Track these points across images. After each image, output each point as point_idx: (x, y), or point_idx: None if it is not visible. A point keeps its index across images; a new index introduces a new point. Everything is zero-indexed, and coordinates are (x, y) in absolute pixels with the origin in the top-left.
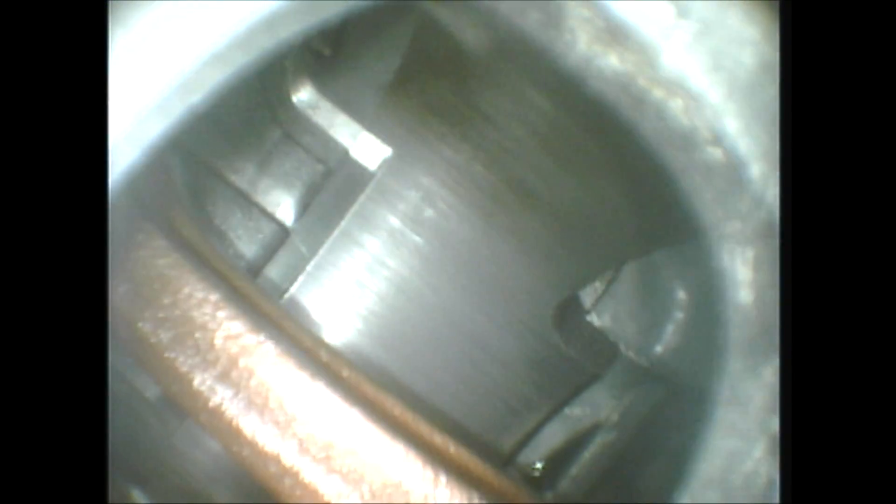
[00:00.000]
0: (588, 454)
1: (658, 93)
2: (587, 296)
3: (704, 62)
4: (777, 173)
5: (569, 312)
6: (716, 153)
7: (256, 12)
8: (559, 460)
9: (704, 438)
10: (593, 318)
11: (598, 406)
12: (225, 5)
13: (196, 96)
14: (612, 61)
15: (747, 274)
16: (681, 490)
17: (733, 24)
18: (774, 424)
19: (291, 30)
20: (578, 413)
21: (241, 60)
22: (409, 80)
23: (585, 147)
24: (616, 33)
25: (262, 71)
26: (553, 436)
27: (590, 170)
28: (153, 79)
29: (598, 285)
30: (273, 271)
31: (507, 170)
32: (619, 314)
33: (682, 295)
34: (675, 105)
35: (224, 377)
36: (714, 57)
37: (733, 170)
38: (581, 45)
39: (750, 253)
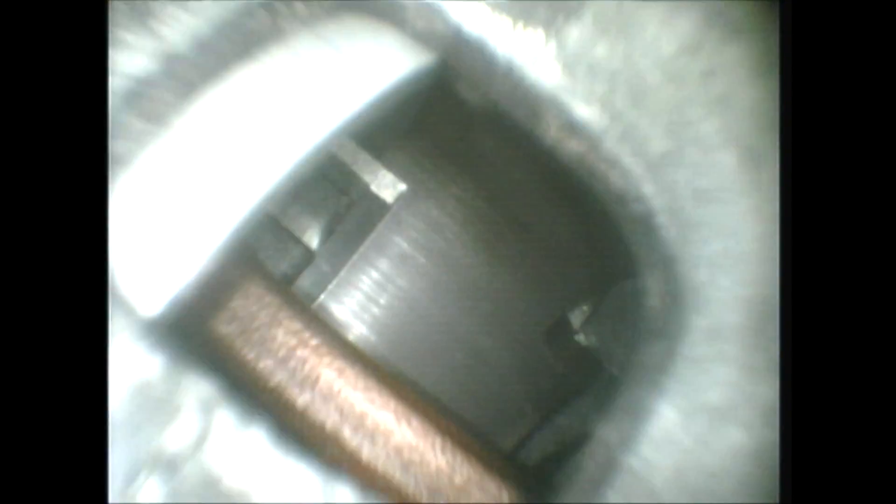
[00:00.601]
0: (575, 460)
1: (602, 166)
2: (576, 317)
3: (630, 149)
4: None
5: (558, 332)
6: (638, 208)
7: None
8: (550, 466)
9: None
10: (581, 338)
11: (584, 417)
12: None
13: None
14: (572, 144)
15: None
16: None
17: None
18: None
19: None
20: (566, 422)
21: None
22: (422, 126)
23: (571, 186)
24: (573, 127)
25: None
26: (543, 443)
27: (576, 207)
28: None
29: (586, 308)
30: (299, 288)
31: (506, 206)
32: (604, 334)
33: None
34: (614, 174)
35: (283, 363)
36: (638, 144)
37: (648, 219)
38: (552, 132)
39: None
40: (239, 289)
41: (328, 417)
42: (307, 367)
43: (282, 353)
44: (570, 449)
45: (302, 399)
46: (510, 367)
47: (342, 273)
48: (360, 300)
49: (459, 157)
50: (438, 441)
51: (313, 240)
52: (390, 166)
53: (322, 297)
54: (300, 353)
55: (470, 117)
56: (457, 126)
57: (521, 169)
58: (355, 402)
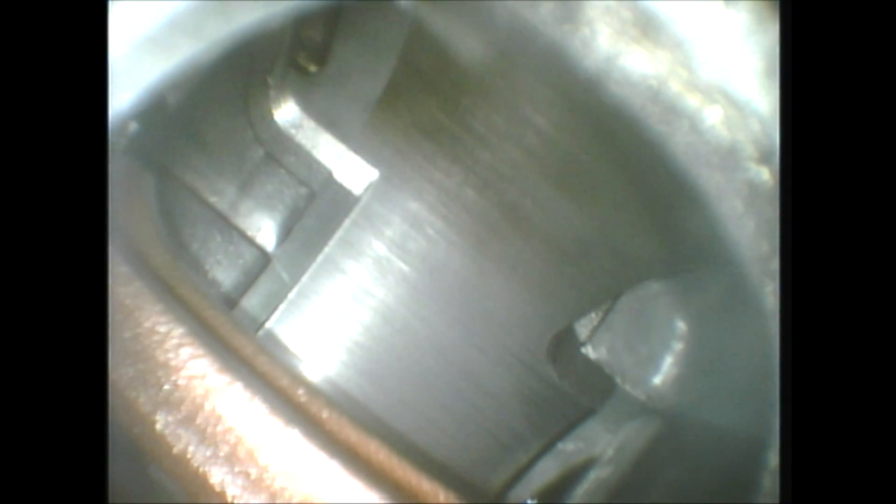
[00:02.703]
0: (582, 490)
1: (694, 100)
2: (582, 327)
3: (754, 64)
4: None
5: (563, 345)
6: (762, 173)
7: None
8: (552, 497)
9: None
10: (589, 351)
11: (592, 440)
12: None
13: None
14: (638, 61)
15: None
16: None
17: None
18: None
19: None
20: (572, 448)
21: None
22: (397, 97)
23: (586, 168)
24: (646, 27)
25: (245, 88)
26: (546, 471)
27: (589, 193)
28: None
29: (594, 316)
30: (253, 299)
31: (500, 194)
32: (615, 346)
33: (681, 325)
34: (714, 115)
35: (189, 421)
36: (766, 58)
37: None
38: (602, 42)
39: None
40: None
41: (252, 501)
42: (220, 427)
43: (188, 404)
44: (575, 478)
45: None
46: (506, 387)
47: (304, 280)
48: (324, 313)
49: (442, 133)
50: None
51: (269, 241)
52: (358, 148)
53: (281, 307)
54: (208, 404)
55: (457, 82)
56: (441, 95)
57: (519, 146)
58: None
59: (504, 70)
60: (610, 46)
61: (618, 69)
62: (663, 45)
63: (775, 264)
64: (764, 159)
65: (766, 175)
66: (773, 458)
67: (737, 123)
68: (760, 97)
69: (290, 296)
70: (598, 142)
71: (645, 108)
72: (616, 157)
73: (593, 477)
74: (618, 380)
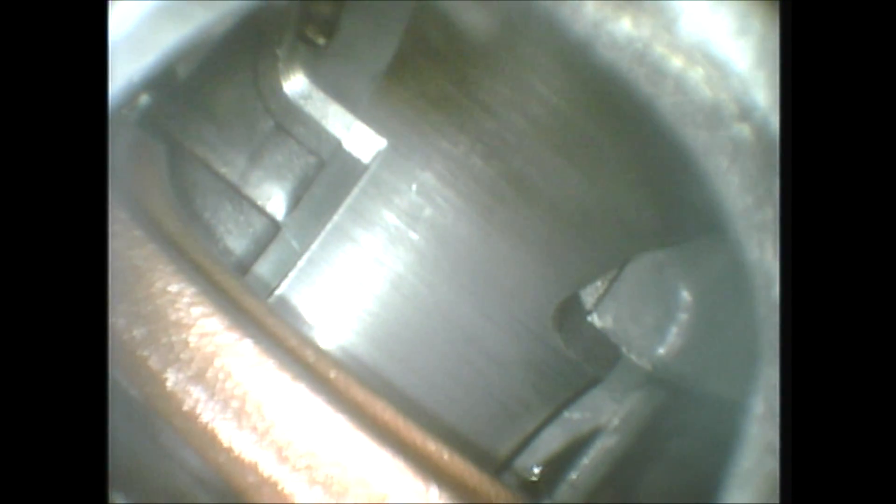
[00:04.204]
0: (587, 459)
1: (677, 61)
2: (588, 295)
3: (730, 25)
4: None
5: (569, 313)
6: (744, 130)
7: None
8: (558, 465)
9: (738, 460)
10: (594, 319)
11: (598, 410)
12: None
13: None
14: (624, 25)
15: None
16: None
17: None
18: None
19: None
20: (578, 417)
21: None
22: (404, 68)
23: (590, 136)
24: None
25: (255, 60)
26: (552, 440)
27: (594, 161)
28: None
29: (600, 285)
30: (264, 267)
31: (506, 163)
32: (621, 315)
33: (686, 295)
34: (697, 75)
35: (199, 378)
36: (741, 19)
37: (765, 149)
38: (589, 9)
39: None
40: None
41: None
42: (229, 382)
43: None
44: (581, 447)
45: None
46: (513, 355)
47: (313, 248)
48: (333, 280)
49: (449, 103)
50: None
51: (279, 209)
52: (366, 119)
53: (291, 275)
54: (217, 361)
55: (463, 53)
56: (447, 65)
57: (524, 115)
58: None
59: (508, 40)
60: (597, 12)
61: (605, 33)
62: (646, 10)
63: (758, 217)
64: (744, 116)
65: (748, 132)
66: (757, 404)
67: (718, 82)
68: (738, 56)
69: (300, 263)
70: (596, 107)
71: (632, 70)
72: (613, 123)
73: (599, 446)
74: (623, 349)
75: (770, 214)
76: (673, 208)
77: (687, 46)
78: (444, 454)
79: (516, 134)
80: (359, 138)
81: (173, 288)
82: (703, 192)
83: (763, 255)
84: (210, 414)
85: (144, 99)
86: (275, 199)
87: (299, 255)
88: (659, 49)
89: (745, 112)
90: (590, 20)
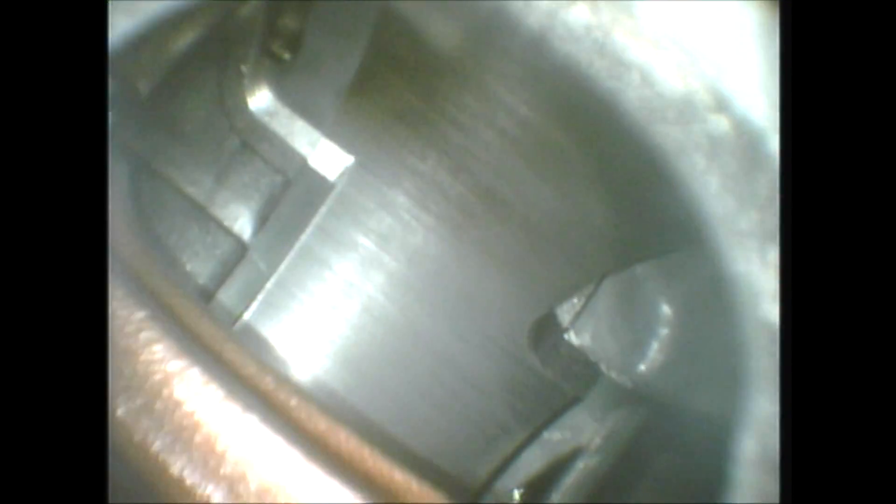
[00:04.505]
0: (569, 480)
1: (641, 49)
2: (565, 313)
3: (697, 6)
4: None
5: (545, 331)
6: (721, 123)
7: None
8: (539, 487)
9: None
10: (572, 337)
11: (578, 429)
12: None
13: None
14: (580, 13)
15: (770, 280)
16: None
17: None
18: None
19: None
20: (558, 437)
21: None
22: (370, 82)
23: (559, 146)
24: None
25: (220, 76)
26: (532, 461)
27: (565, 173)
28: None
29: (577, 301)
30: (231, 290)
31: (475, 177)
32: (599, 332)
33: (666, 310)
34: (665, 64)
35: (148, 408)
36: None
37: (746, 144)
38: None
39: (772, 253)
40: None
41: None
42: (178, 413)
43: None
44: (562, 468)
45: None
46: (489, 376)
47: (281, 269)
48: (302, 302)
49: (415, 117)
50: None
51: (246, 230)
52: (332, 135)
53: (259, 297)
54: (166, 391)
55: (429, 65)
56: (413, 78)
57: (493, 127)
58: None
59: (472, 49)
60: (550, 1)
61: (560, 23)
62: None
63: (743, 223)
64: (721, 107)
65: (725, 125)
66: (748, 445)
67: (688, 71)
68: (709, 40)
69: (268, 286)
70: (562, 113)
71: (592, 63)
72: (579, 128)
73: (581, 467)
74: (602, 367)
75: (755, 218)
76: (649, 218)
77: (652, 31)
78: (412, 485)
79: (485, 147)
80: (325, 155)
81: (122, 312)
82: (679, 197)
83: (749, 266)
84: (160, 446)
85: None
86: (241, 219)
87: (267, 277)
88: (620, 37)
89: (721, 103)
90: (543, 10)
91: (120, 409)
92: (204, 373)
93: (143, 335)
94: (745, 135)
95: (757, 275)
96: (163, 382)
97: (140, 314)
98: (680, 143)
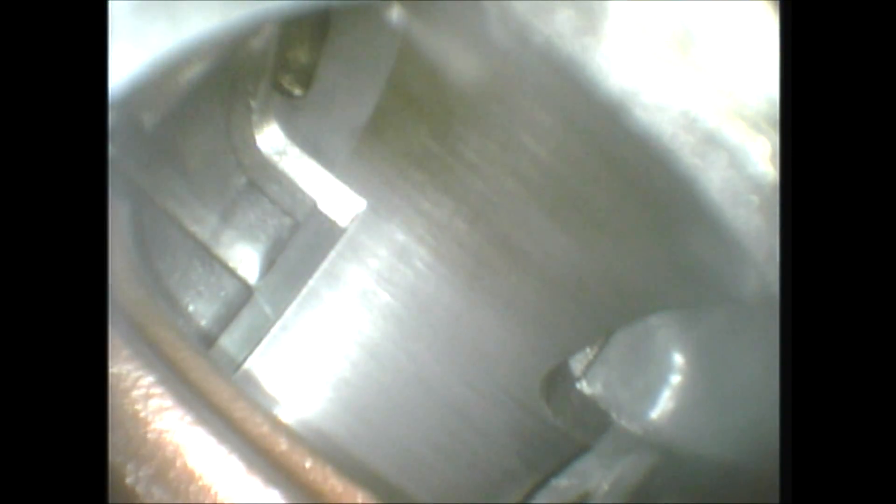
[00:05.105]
0: None
1: (735, 130)
2: (577, 362)
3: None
4: None
5: (557, 381)
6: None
7: None
8: None
9: None
10: (584, 386)
11: (586, 476)
12: None
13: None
14: (671, 84)
15: None
16: None
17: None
18: None
19: None
20: (565, 484)
21: None
22: (386, 123)
23: (585, 197)
24: (683, 42)
25: (228, 111)
26: None
27: (590, 225)
28: None
29: (589, 350)
30: (235, 333)
31: (493, 226)
32: (611, 381)
33: (679, 358)
34: (760, 148)
35: (160, 477)
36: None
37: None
38: (628, 60)
39: None
40: None
41: None
42: (193, 487)
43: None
44: None
45: None
46: (498, 424)
47: (287, 314)
48: (308, 348)
49: (432, 162)
50: None
51: (251, 273)
52: (344, 177)
53: (264, 342)
54: (180, 461)
55: (448, 106)
56: (431, 120)
57: (513, 174)
58: None
59: (499, 93)
60: (638, 65)
61: (647, 91)
62: (701, 67)
63: None
64: None
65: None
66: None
67: (776, 158)
68: None
69: (274, 330)
70: (608, 172)
71: (675, 137)
72: (626, 188)
73: None
74: (613, 415)
75: None
76: (683, 277)
77: (752, 112)
78: None
79: (504, 195)
80: (336, 199)
81: (130, 375)
82: (732, 273)
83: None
84: None
85: (109, 150)
86: (247, 261)
87: (273, 322)
88: (713, 114)
89: None
90: (628, 73)
91: (129, 476)
92: (221, 443)
93: (153, 402)
94: None
95: None
96: (176, 452)
97: (150, 378)
98: (759, 230)
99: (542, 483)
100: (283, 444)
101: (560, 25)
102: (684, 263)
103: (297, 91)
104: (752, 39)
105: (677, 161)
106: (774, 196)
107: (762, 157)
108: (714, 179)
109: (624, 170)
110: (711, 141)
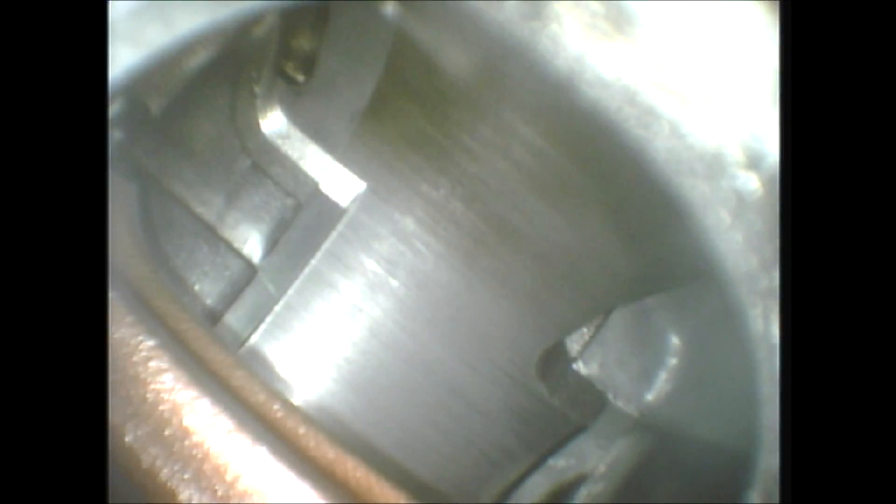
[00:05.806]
0: None
1: (673, 101)
2: (574, 342)
3: (740, 58)
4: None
5: (554, 360)
6: (750, 181)
7: None
8: None
9: None
10: (580, 367)
11: (583, 457)
12: None
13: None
14: (611, 59)
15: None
16: None
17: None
18: None
19: None
20: (563, 464)
21: None
22: (384, 108)
23: (574, 179)
24: (618, 20)
25: (232, 96)
26: (535, 488)
27: (580, 206)
28: None
29: (586, 331)
30: (239, 311)
31: (488, 207)
32: (607, 362)
33: (675, 340)
34: (697, 117)
35: (157, 435)
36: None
37: (776, 204)
38: (570, 39)
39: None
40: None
41: None
42: (187, 442)
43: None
44: (566, 495)
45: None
46: (495, 403)
47: (290, 293)
48: (310, 326)
49: (429, 145)
50: None
51: (255, 252)
52: (344, 160)
53: (267, 320)
54: (175, 420)
55: (444, 92)
56: (427, 106)
57: (507, 157)
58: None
59: (489, 79)
60: (580, 43)
61: (589, 69)
62: (639, 42)
63: (765, 282)
64: (753, 165)
65: (756, 183)
66: (759, 476)
67: (721, 126)
68: (748, 94)
69: (277, 308)
70: (580, 150)
71: (620, 111)
72: (598, 168)
73: (584, 493)
74: (610, 396)
75: (778, 280)
76: (662, 260)
77: (686, 83)
78: None
79: (499, 177)
80: (337, 180)
81: (131, 340)
82: (700, 250)
83: (768, 327)
84: (168, 474)
85: (117, 134)
86: (251, 241)
87: (276, 301)
88: (653, 87)
89: (753, 160)
90: (572, 52)
91: (128, 435)
92: (214, 403)
93: (153, 364)
94: (775, 194)
95: (773, 334)
96: (172, 411)
97: (150, 342)
98: (706, 196)
99: (538, 462)
100: (278, 412)
101: (509, 12)
102: (655, 243)
103: (300, 77)
104: (684, 17)
105: (625, 133)
106: (716, 164)
107: (698, 127)
108: (660, 150)
109: (592, 148)
110: (652, 113)
